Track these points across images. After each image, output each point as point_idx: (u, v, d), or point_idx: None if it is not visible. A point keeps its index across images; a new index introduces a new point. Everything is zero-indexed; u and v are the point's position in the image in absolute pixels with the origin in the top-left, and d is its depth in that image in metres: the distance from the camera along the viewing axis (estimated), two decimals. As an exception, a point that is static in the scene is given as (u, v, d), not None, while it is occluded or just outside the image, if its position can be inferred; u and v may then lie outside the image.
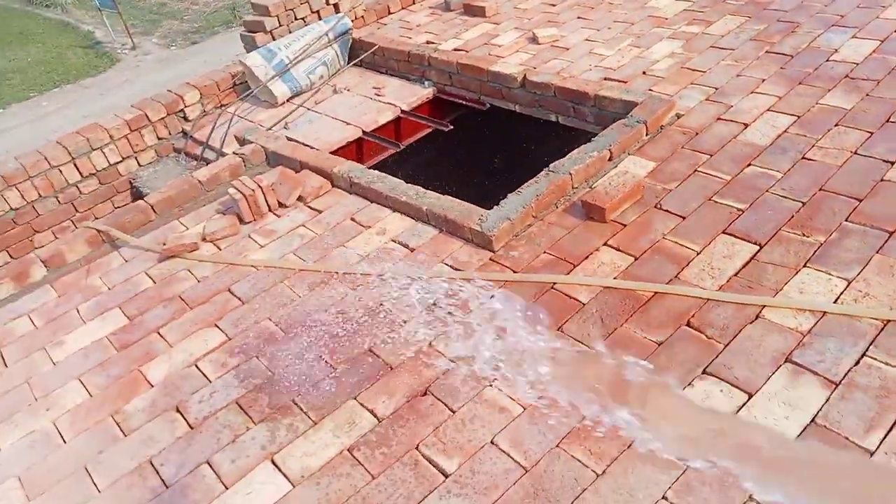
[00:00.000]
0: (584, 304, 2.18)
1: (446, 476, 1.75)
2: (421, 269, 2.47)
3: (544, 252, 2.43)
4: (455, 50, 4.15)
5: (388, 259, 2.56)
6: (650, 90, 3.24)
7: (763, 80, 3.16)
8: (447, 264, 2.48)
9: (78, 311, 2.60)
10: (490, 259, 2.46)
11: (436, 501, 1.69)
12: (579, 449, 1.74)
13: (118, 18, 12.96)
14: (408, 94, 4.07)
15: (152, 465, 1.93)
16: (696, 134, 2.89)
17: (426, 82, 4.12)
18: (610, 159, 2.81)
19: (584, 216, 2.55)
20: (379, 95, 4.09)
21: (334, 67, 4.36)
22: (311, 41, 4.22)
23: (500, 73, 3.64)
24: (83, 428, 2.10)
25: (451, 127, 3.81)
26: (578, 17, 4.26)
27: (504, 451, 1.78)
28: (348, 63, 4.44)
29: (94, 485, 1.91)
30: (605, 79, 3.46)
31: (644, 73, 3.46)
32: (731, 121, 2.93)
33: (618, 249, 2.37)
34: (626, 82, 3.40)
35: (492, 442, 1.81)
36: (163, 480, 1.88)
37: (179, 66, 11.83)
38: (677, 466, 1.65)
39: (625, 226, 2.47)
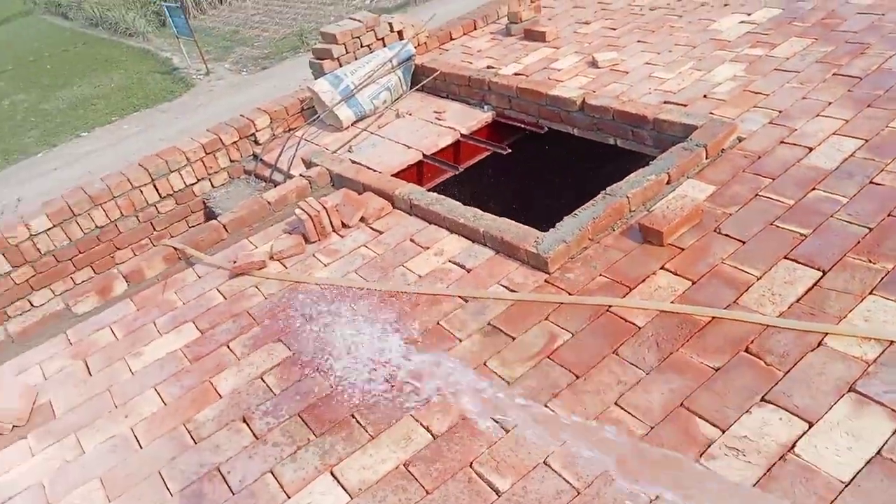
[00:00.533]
0: (639, 328, 2.18)
1: (499, 494, 1.78)
2: (477, 290, 2.52)
3: (600, 275, 2.44)
4: (515, 74, 4.22)
5: (445, 279, 2.63)
6: (711, 113, 3.21)
7: (830, 104, 3.09)
8: (503, 285, 2.52)
9: (155, 325, 2.77)
10: (545, 281, 2.49)
11: (488, 519, 1.73)
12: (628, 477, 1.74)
13: (194, 46, 13.69)
14: (467, 118, 4.16)
15: (220, 473, 2.04)
16: (759, 157, 2.85)
17: (485, 106, 4.21)
18: (668, 183, 2.80)
19: (641, 240, 2.55)
20: (439, 119, 4.20)
21: (397, 92, 4.51)
22: (376, 67, 4.38)
23: (558, 97, 3.69)
24: (158, 434, 2.24)
25: (510, 150, 3.87)
26: (639, 41, 4.27)
27: (556, 472, 1.80)
28: (411, 88, 4.58)
29: (168, 489, 2.03)
30: (665, 102, 3.46)
31: (705, 96, 3.43)
32: (795, 144, 2.87)
33: (675, 273, 2.36)
34: (686, 105, 3.38)
35: (544, 462, 1.83)
36: (230, 487, 1.99)
37: (250, 91, 12.36)
38: (733, 495, 1.63)
39: (682, 250, 2.45)
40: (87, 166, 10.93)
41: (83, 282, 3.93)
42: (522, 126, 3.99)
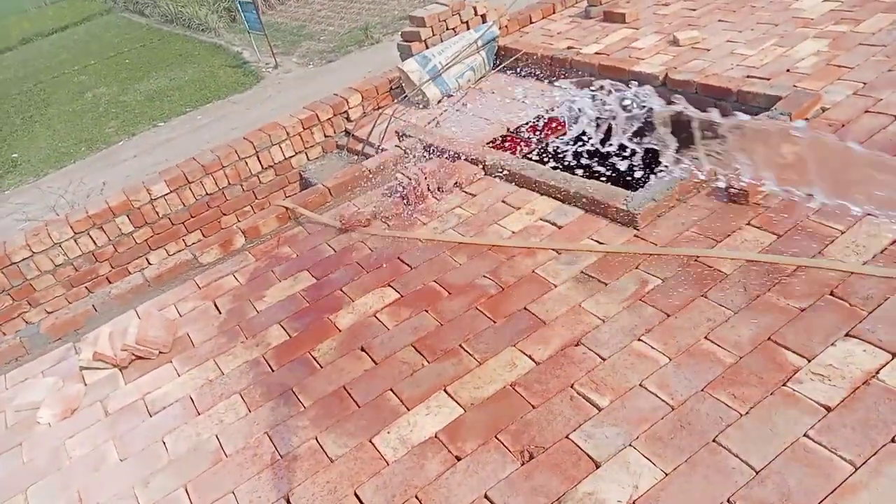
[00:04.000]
0: (727, 275, 2.34)
1: (599, 409, 1.99)
2: (568, 244, 2.73)
3: (687, 230, 2.61)
4: (596, 54, 4.39)
5: (538, 235, 2.85)
6: (794, 86, 3.31)
7: (916, 74, 3.15)
8: (593, 239, 2.72)
9: (273, 273, 3.09)
10: (634, 236, 2.67)
11: (591, 428, 1.94)
12: (724, 393, 1.93)
13: (264, 40, 14.25)
14: (549, 95, 4.35)
15: (346, 390, 2.32)
16: (843, 125, 2.95)
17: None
18: (752, 149, 2.94)
19: (726, 199, 2.70)
20: (522, 97, 4.41)
21: (481, 72, 4.74)
22: (462, 48, 4.62)
23: (640, 73, 3.84)
24: (287, 361, 2.54)
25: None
26: (720, 21, 4.37)
27: (652, 392, 2.00)
28: (494, 68, 4.81)
29: (301, 403, 2.33)
30: (748, 77, 3.57)
31: (788, 70, 3.53)
32: (881, 113, 2.96)
33: (760, 228, 2.51)
34: (769, 79, 3.48)
35: (640, 384, 2.03)
36: (355, 401, 2.27)
37: (316, 83, 12.81)
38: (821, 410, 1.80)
39: (767, 208, 2.60)
40: (164, 154, 11.57)
41: (193, 243, 4.32)
42: (602, 102, 4.15)
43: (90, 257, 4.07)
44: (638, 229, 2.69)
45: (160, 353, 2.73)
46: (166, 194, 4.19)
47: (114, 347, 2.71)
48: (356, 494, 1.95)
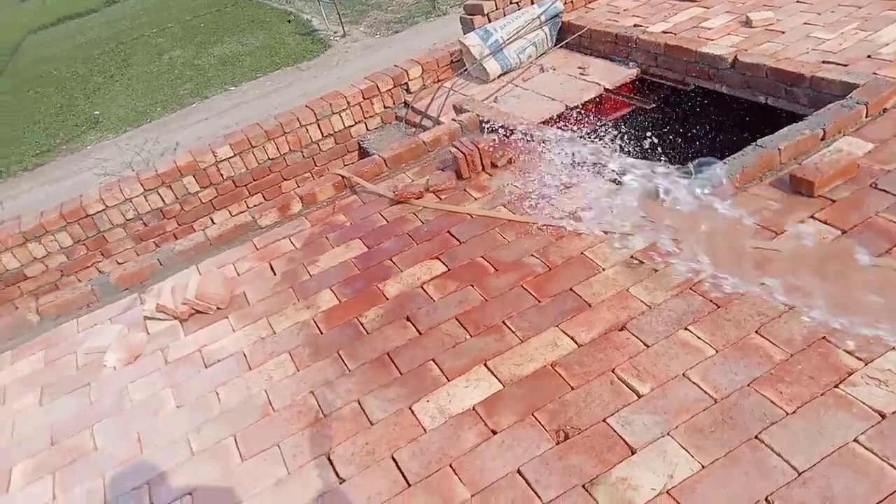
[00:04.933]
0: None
1: (639, 396, 1.99)
2: (621, 224, 2.70)
3: (745, 220, 2.54)
4: (663, 32, 4.26)
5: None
6: (874, 73, 3.14)
7: None
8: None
9: (328, 239, 3.17)
10: (689, 223, 2.62)
11: (629, 414, 1.94)
12: (771, 390, 1.89)
13: (333, 8, 14.34)
14: (611, 74, 4.26)
15: (390, 357, 2.39)
16: (925, 118, 2.79)
17: (630, 63, 4.28)
18: (823, 139, 2.81)
19: (790, 190, 2.61)
20: (583, 75, 4.33)
21: (543, 48, 4.67)
22: (525, 23, 4.55)
23: (708, 54, 3.71)
24: (335, 325, 2.62)
25: (654, 105, 3.94)
26: (797, 1, 4.16)
27: (695, 383, 1.98)
28: (556, 44, 4.73)
29: (346, 366, 2.41)
30: (824, 62, 3.40)
31: (869, 56, 3.34)
32: (968, 106, 2.78)
33: (825, 222, 2.42)
34: (846, 66, 3.31)
35: (683, 374, 2.02)
36: (398, 368, 2.33)
37: (381, 53, 12.85)
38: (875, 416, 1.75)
39: (834, 202, 2.50)
40: (234, 118, 11.88)
41: (254, 206, 4.46)
42: (668, 83, 4.04)
43: (158, 214, 4.26)
44: (694, 216, 2.63)
45: (217, 309, 2.86)
46: (230, 157, 4.33)
47: (175, 301, 2.85)
48: (393, 458, 2.01)
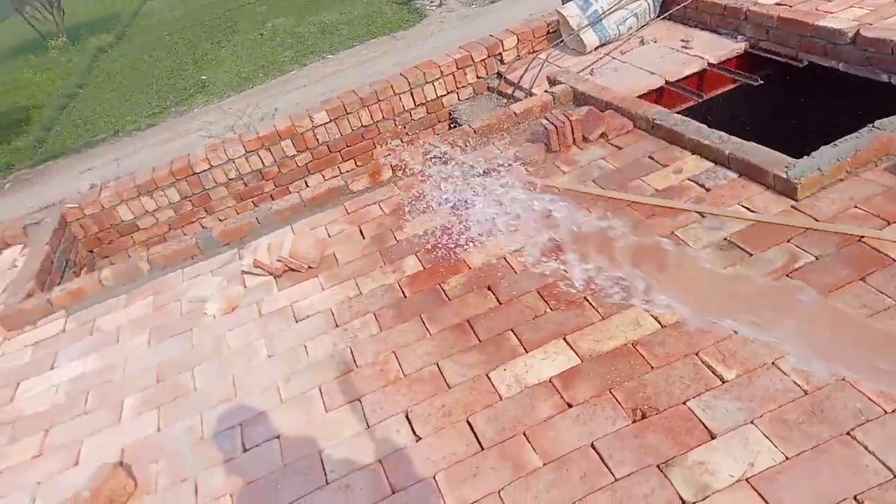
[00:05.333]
0: (895, 261, 2.13)
1: (723, 381, 1.94)
2: (715, 208, 2.59)
3: (854, 206, 2.38)
4: (776, 4, 3.99)
5: (683, 195, 2.73)
6: None
7: None
8: (744, 206, 2.57)
9: (414, 206, 3.24)
10: (791, 207, 2.48)
11: (712, 398, 1.90)
12: (868, 386, 1.79)
13: (430, -23, 14.31)
14: (717, 48, 4.06)
15: (470, 324, 2.43)
16: None
17: (738, 37, 4.05)
18: (952, 123, 2.58)
19: (909, 177, 2.42)
20: (686, 48, 4.14)
21: (644, 19, 4.50)
22: (627, -7, 4.40)
23: (826, 28, 3.46)
24: (419, 289, 2.69)
25: (761, 82, 3.73)
26: (937, -30, 3.78)
27: (785, 373, 1.90)
28: (659, 15, 4.54)
29: (427, 331, 2.47)
30: (962, 38, 3.10)
31: None
32: None
33: (946, 214, 2.24)
34: None
35: (773, 363, 1.94)
36: (477, 336, 2.37)
37: (477, 23, 12.70)
38: (980, 420, 1.63)
39: (959, 192, 2.30)
40: (330, 85, 12.17)
41: (346, 171, 4.60)
42: (778, 58, 3.80)
43: (258, 175, 4.48)
44: (797, 200, 2.49)
45: (309, 267, 3.00)
46: (326, 123, 4.47)
47: (271, 257, 3.01)
48: (468, 421, 2.07)
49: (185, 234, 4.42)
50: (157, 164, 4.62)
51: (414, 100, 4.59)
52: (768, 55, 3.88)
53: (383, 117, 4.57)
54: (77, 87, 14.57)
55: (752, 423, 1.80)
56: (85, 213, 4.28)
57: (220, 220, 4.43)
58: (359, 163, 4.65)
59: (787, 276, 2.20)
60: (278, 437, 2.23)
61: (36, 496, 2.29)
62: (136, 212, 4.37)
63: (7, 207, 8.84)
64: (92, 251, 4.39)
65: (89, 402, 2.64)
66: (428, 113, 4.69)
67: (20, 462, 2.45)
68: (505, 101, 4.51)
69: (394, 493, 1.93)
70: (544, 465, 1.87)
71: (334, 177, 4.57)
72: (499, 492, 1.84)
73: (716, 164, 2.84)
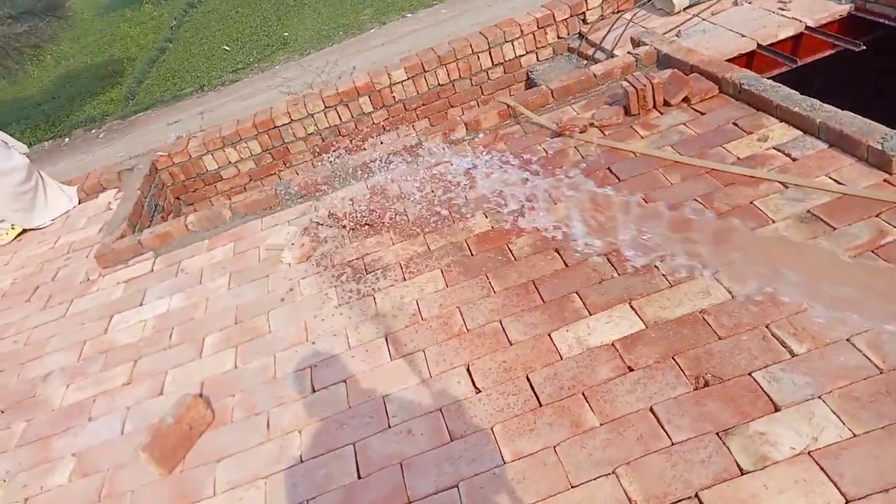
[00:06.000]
0: None
1: (793, 355, 1.89)
2: (800, 179, 2.48)
3: (957, 182, 2.23)
4: (890, -38, 3.69)
5: (766, 164, 2.62)
6: None
7: None
8: (831, 178, 2.44)
9: (486, 165, 3.25)
10: (884, 181, 2.35)
11: (779, 371, 1.86)
12: (950, 369, 1.71)
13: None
14: (817, 10, 3.80)
15: (534, 285, 2.45)
16: None
17: (843, -2, 3.78)
18: None
19: None
20: (783, 10, 3.90)
21: (739, -22, 4.25)
22: (722, -51, 4.16)
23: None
24: (485, 248, 2.72)
25: (863, 48, 3.48)
26: None
27: (860, 350, 1.83)
28: (755, -26, 4.27)
29: (492, 288, 2.51)
30: None
31: None
32: None
33: None
34: None
35: (848, 340, 1.87)
36: (541, 296, 2.39)
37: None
38: None
39: None
40: (408, 44, 12.12)
41: (420, 129, 4.64)
42: (887, 22, 3.53)
43: (335, 130, 4.59)
44: (891, 174, 2.35)
45: (381, 222, 3.08)
46: (403, 80, 4.50)
47: (344, 211, 3.10)
48: (528, 378, 2.10)
49: (263, 185, 4.60)
50: (239, 118, 4.79)
51: (492, 59, 4.55)
52: (875, 18, 3.60)
53: (460, 76, 4.56)
54: (167, 41, 15.13)
55: (819, 398, 1.76)
56: (174, 162, 4.52)
57: (297, 174, 4.57)
58: (433, 122, 4.67)
59: (873, 252, 2.10)
60: (345, 380, 2.34)
61: (126, 419, 2.50)
62: (220, 162, 4.58)
63: (101, 154, 9.40)
64: (178, 198, 4.64)
65: (173, 337, 2.84)
66: (505, 73, 4.64)
67: (113, 388, 2.68)
68: (585, 62, 4.40)
69: (452, 440, 2.00)
70: (601, 424, 1.89)
71: (409, 134, 4.63)
72: (554, 447, 1.88)
73: (805, 133, 2.70)
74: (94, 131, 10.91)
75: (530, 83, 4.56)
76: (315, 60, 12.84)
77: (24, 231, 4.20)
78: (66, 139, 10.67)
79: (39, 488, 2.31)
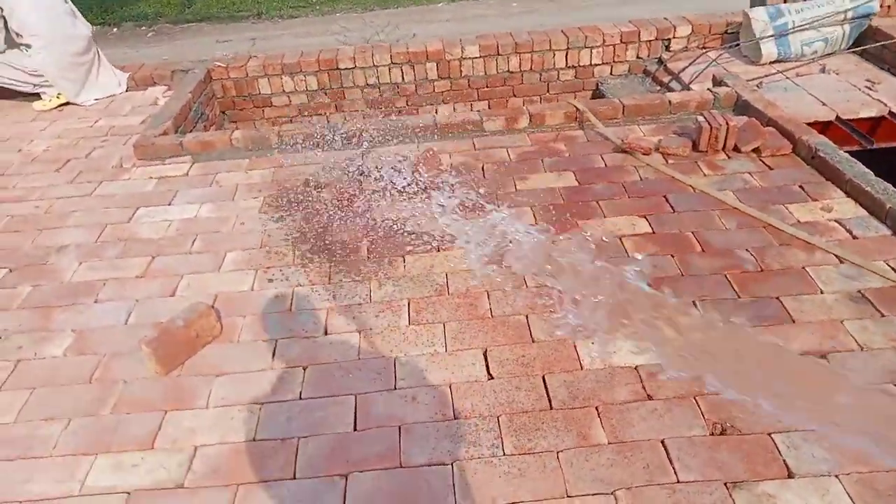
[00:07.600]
0: None
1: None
2: (858, 257, 2.44)
3: None
4: None
5: (826, 235, 2.58)
6: None
7: None
8: (890, 266, 2.40)
9: (542, 161, 3.20)
10: (942, 282, 2.31)
11: (799, 440, 1.82)
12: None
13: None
14: (904, 99, 3.74)
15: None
16: None
17: (932, 94, 3.72)
18: None
19: None
20: (871, 89, 3.84)
21: (834, 47, 4.19)
22: (825, 15, 4.09)
23: None
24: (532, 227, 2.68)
25: (943, 148, 3.43)
26: None
27: (891, 441, 1.80)
28: (849, 47, 4.21)
29: (525, 282, 2.47)
30: None
31: None
32: None
33: None
34: None
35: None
36: (574, 302, 2.35)
37: (638, 4, 12.10)
38: None
39: None
40: (471, 27, 11.99)
41: (477, 111, 4.58)
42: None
43: (394, 88, 4.52)
44: (951, 276, 2.31)
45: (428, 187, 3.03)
46: (475, 58, 4.44)
47: (393, 166, 3.05)
48: (544, 378, 2.07)
49: (310, 121, 4.54)
50: (293, 52, 4.72)
51: (567, 61, 4.48)
52: (959, 122, 3.55)
53: (531, 68, 4.49)
54: (240, -42, 14.94)
55: (836, 476, 1.72)
56: (229, 76, 4.46)
57: (346, 121, 4.52)
58: (492, 106, 4.61)
59: (918, 348, 2.06)
60: (360, 331, 2.30)
61: (132, 310, 2.46)
62: (274, 88, 4.52)
63: (145, 52, 9.29)
64: (224, 112, 4.58)
65: (196, 244, 2.80)
66: (576, 77, 4.57)
67: (125, 277, 2.64)
68: (658, 88, 4.34)
69: (456, 418, 1.96)
70: (609, 443, 1.86)
71: (464, 112, 4.57)
72: (557, 452, 1.84)
73: (871, 214, 2.66)
74: (143, 28, 10.80)
75: (598, 94, 4.50)
76: (377, 17, 12.69)
77: (67, 104, 4.15)
78: (115, 29, 10.56)
79: (33, 354, 2.28)
